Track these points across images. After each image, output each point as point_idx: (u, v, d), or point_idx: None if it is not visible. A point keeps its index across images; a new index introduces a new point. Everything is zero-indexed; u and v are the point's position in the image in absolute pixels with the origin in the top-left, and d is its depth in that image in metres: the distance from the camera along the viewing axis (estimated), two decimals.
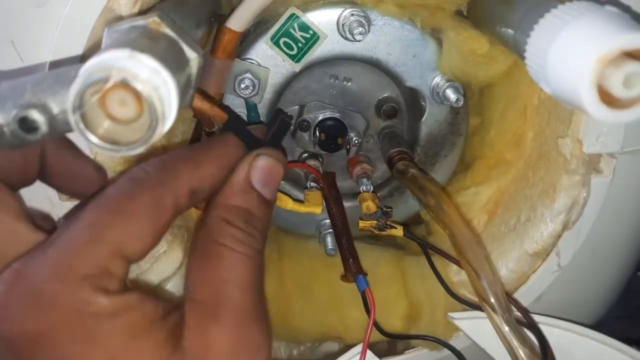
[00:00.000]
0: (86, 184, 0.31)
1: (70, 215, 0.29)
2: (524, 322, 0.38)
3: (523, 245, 0.41)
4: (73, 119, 0.21)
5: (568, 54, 0.25)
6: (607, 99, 0.25)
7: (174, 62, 0.25)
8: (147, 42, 0.24)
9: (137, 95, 0.22)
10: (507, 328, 0.35)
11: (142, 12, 0.31)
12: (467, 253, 0.36)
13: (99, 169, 0.33)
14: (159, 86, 0.22)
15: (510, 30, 0.32)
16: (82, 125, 0.21)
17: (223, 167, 0.30)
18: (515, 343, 0.36)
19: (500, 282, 0.38)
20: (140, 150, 0.22)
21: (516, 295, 0.42)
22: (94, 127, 0.22)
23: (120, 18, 0.31)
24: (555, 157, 0.39)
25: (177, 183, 0.27)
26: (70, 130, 0.23)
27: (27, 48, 0.32)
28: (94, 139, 0.21)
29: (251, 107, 0.41)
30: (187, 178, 0.28)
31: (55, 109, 0.23)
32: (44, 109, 0.23)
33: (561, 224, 0.39)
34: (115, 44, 0.23)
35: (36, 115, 0.23)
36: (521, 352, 0.36)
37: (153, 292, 0.39)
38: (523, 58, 0.30)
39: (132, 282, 0.38)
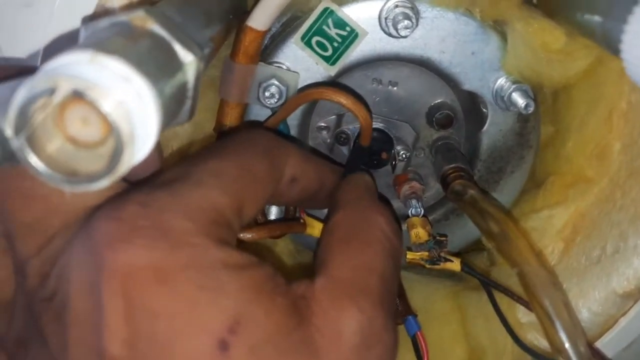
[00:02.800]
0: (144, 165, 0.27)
1: (187, 158, 0.26)
2: None
3: (610, 283, 0.33)
4: (16, 142, 0.16)
5: None
6: None
7: (158, 66, 0.19)
8: (122, 42, 0.19)
9: (99, 111, 0.16)
10: None
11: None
12: (540, 297, 0.29)
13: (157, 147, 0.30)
14: (127, 100, 0.16)
15: (597, 17, 0.25)
16: (26, 151, 0.16)
17: (324, 178, 0.30)
18: None
19: (582, 332, 0.30)
20: (103, 184, 0.17)
21: (600, 343, 0.35)
22: (42, 152, 0.16)
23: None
24: None
25: (288, 162, 0.27)
26: None
27: (16, 52, 0.28)
28: (38, 164, 0.16)
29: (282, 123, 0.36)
30: (295, 164, 0.28)
31: (8, 129, 0.18)
32: None
33: None
34: (81, 45, 0.18)
35: None
36: None
37: None
38: (617, 52, 0.23)
39: None
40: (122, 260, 0.19)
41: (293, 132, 0.37)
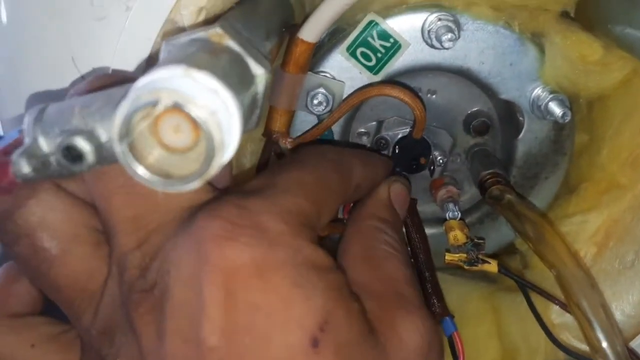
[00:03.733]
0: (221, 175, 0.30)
1: (268, 169, 0.30)
2: None
3: None
4: (119, 149, 0.18)
5: None
6: None
7: (237, 79, 0.21)
8: (207, 57, 0.21)
9: (193, 120, 0.18)
10: None
11: (207, 23, 0.28)
12: (578, 298, 0.30)
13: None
14: (217, 110, 0.18)
15: (636, 32, 0.27)
16: (129, 158, 0.18)
17: (377, 177, 0.32)
18: None
19: (618, 332, 0.31)
20: (195, 185, 0.19)
21: (633, 344, 0.36)
22: (143, 157, 0.18)
23: (182, 30, 0.28)
24: None
25: (353, 173, 0.29)
26: None
27: (88, 64, 0.30)
28: (142, 171, 0.18)
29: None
30: (359, 173, 0.30)
31: (103, 135, 0.20)
32: (91, 135, 0.20)
33: None
34: (171, 60, 0.20)
35: (82, 144, 0.20)
36: None
37: None
38: None
39: None
40: (226, 256, 0.21)
41: (336, 137, 0.39)
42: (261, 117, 0.24)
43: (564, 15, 0.35)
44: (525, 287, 0.36)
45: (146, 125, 0.18)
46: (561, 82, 0.35)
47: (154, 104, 0.18)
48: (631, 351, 0.33)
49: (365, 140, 0.40)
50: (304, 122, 0.38)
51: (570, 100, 0.36)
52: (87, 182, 0.24)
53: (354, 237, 0.29)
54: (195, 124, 0.18)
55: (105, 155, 0.21)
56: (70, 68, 0.30)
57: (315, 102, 0.35)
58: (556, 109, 0.35)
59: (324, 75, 0.36)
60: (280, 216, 0.23)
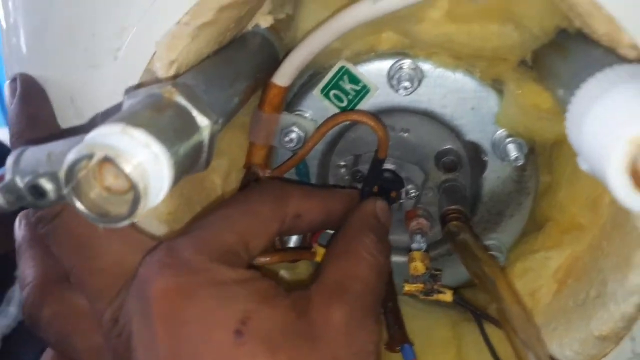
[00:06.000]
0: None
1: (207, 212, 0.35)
2: None
3: (589, 326, 0.36)
4: (65, 190, 0.22)
5: (600, 129, 0.22)
6: None
7: (177, 133, 0.25)
8: (149, 114, 0.25)
9: (123, 171, 0.22)
10: None
11: (178, 75, 0.32)
12: (513, 326, 0.32)
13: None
14: (146, 161, 0.22)
15: (561, 90, 0.29)
16: (72, 197, 0.22)
17: (331, 207, 0.36)
18: None
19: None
20: (126, 222, 0.23)
21: None
22: (85, 197, 0.22)
23: (158, 80, 0.32)
24: (631, 229, 0.34)
25: (290, 203, 0.34)
26: None
27: (85, 104, 0.35)
28: (80, 207, 0.22)
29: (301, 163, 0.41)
30: (296, 203, 0.34)
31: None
32: (54, 177, 0.25)
33: (634, 306, 0.34)
34: (117, 117, 0.24)
35: (45, 184, 0.24)
36: None
37: None
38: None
39: None
40: (159, 288, 0.27)
41: (313, 169, 0.42)
42: (210, 160, 0.28)
43: (523, 64, 0.37)
44: (479, 317, 0.38)
45: (89, 173, 0.23)
46: (516, 127, 0.37)
47: (90, 157, 0.22)
48: None
49: (343, 172, 0.44)
50: (285, 156, 0.41)
51: (530, 143, 0.38)
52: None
53: (338, 239, 0.34)
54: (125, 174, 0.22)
55: (63, 194, 0.25)
56: (70, 108, 0.36)
57: (287, 139, 0.39)
58: (512, 152, 0.37)
59: (301, 114, 0.40)
60: (199, 249, 0.29)
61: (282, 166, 0.40)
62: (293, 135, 0.39)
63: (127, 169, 0.22)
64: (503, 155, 0.38)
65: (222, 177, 0.43)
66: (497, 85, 0.38)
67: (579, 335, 0.36)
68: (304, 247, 0.40)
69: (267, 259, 0.37)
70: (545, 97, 0.35)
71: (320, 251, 0.39)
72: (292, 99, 0.41)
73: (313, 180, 0.43)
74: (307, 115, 0.40)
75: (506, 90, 0.37)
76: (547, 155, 0.40)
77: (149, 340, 0.27)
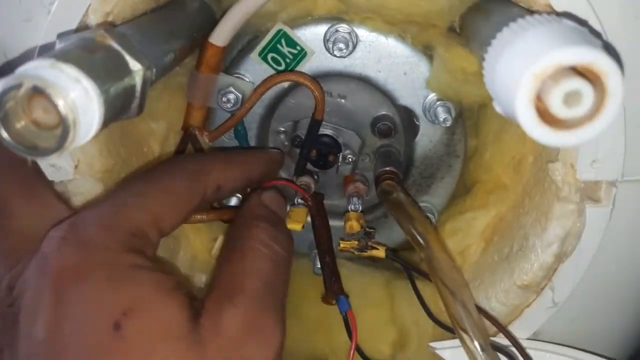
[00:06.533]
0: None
1: (120, 185, 0.34)
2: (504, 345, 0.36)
3: (513, 277, 0.38)
4: None
5: (509, 69, 0.24)
6: (550, 119, 0.23)
7: (107, 72, 0.25)
8: (80, 53, 0.25)
9: (53, 103, 0.22)
10: (479, 351, 0.33)
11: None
12: (440, 274, 0.34)
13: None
14: (75, 95, 0.22)
15: (482, 46, 0.31)
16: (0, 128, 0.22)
17: (253, 172, 0.36)
18: None
19: (473, 302, 0.35)
20: (54, 155, 0.23)
21: (511, 330, 0.39)
22: (12, 129, 0.22)
23: None
24: (549, 183, 0.36)
25: (210, 176, 0.33)
26: None
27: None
28: (6, 136, 0.22)
29: (239, 124, 0.42)
30: (216, 176, 0.33)
31: None
32: None
33: (553, 255, 0.36)
34: (50, 54, 0.24)
35: None
36: None
37: None
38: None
39: None
40: (54, 264, 0.26)
41: (252, 134, 0.43)
42: (143, 107, 0.29)
43: (452, 30, 0.39)
44: (410, 271, 0.39)
45: (17, 104, 0.23)
46: (445, 90, 0.39)
47: (19, 87, 0.22)
48: (490, 316, 0.37)
49: (282, 138, 0.45)
50: (223, 118, 0.42)
51: (460, 107, 0.40)
52: None
53: (229, 235, 0.34)
54: (55, 106, 0.22)
55: None
56: (1, 62, 0.35)
57: (225, 99, 0.39)
58: (441, 114, 0.39)
59: (240, 77, 0.41)
60: (104, 225, 0.28)
61: (220, 128, 0.40)
62: (231, 96, 0.39)
63: (57, 100, 0.22)
64: (433, 119, 0.40)
65: (159, 140, 0.43)
66: (428, 51, 0.40)
67: (503, 285, 0.38)
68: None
69: (204, 216, 0.37)
70: (471, 61, 0.37)
71: None
72: (230, 63, 0.41)
73: (253, 144, 0.43)
74: (246, 78, 0.41)
75: (436, 55, 0.38)
76: (474, 120, 0.42)
77: (34, 318, 0.26)
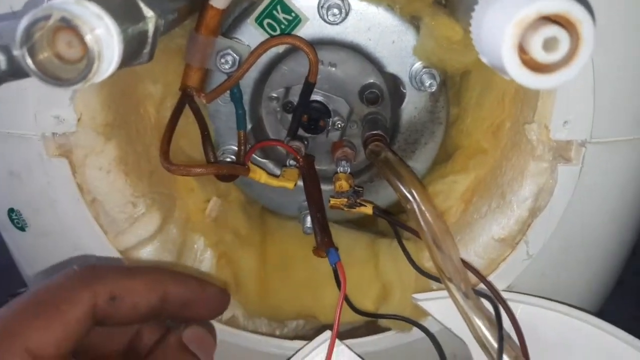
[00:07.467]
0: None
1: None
2: (483, 293, 0.38)
3: (491, 231, 0.41)
4: (20, 52, 0.24)
5: (494, 22, 0.26)
6: (531, 64, 0.26)
7: (125, 15, 0.27)
8: None
9: (79, 36, 0.24)
10: (462, 298, 0.36)
11: None
12: (427, 225, 0.37)
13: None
14: (99, 29, 0.24)
15: (467, 10, 0.33)
16: (26, 56, 0.24)
17: (158, 293, 0.32)
18: (471, 314, 0.36)
19: (457, 252, 0.38)
20: (78, 86, 0.25)
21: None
22: (37, 59, 0.24)
23: None
24: (525, 143, 0.39)
25: (97, 287, 0.30)
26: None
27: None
28: (31, 65, 0.24)
29: (235, 87, 0.43)
30: (110, 283, 0.30)
31: (15, 50, 0.26)
32: (5, 49, 0.26)
33: (527, 210, 0.39)
34: None
35: None
36: (477, 321, 0.36)
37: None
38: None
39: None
40: None
41: (246, 98, 0.45)
42: (153, 54, 0.30)
43: (437, 1, 0.41)
44: (396, 227, 0.42)
45: (43, 36, 0.24)
46: (431, 57, 0.41)
47: (47, 18, 0.24)
48: (471, 267, 0.39)
49: (275, 104, 0.47)
50: (219, 80, 0.43)
51: (443, 75, 0.43)
52: None
53: None
54: (81, 39, 0.24)
55: (16, 66, 0.26)
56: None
57: (223, 61, 0.41)
58: (426, 81, 0.42)
59: (236, 41, 0.43)
60: None
61: (217, 88, 0.42)
62: (229, 58, 0.41)
63: (84, 32, 0.24)
64: (419, 85, 0.43)
65: (156, 102, 0.45)
66: (415, 21, 0.42)
67: (482, 239, 0.41)
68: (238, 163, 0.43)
69: (202, 169, 0.39)
70: (456, 30, 0.39)
71: (255, 169, 0.41)
72: (227, 27, 0.43)
73: (246, 109, 0.45)
74: (243, 42, 0.43)
75: (422, 25, 0.41)
76: (456, 89, 0.45)
77: None
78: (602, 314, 0.43)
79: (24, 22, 0.24)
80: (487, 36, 0.27)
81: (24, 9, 0.35)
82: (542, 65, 0.25)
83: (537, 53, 0.25)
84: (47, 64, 0.24)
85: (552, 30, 0.24)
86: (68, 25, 0.24)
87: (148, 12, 0.29)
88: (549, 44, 0.25)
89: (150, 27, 0.29)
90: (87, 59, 0.24)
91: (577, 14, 0.24)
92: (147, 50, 0.30)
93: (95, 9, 0.25)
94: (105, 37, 0.25)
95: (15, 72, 0.27)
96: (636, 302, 0.48)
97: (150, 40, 0.29)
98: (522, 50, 0.26)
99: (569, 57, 0.25)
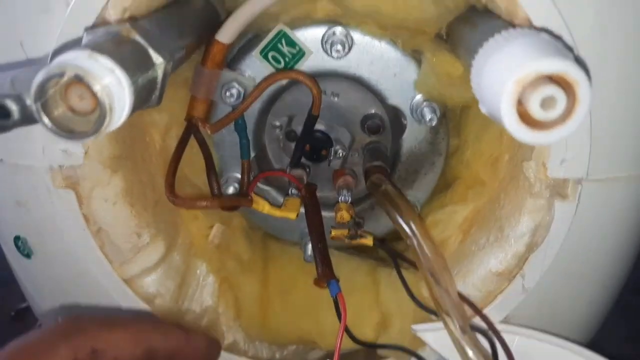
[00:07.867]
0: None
1: None
2: (480, 328, 0.39)
3: (489, 265, 0.42)
4: (34, 107, 0.25)
5: (495, 76, 0.27)
6: (529, 120, 0.26)
7: (135, 64, 0.28)
8: (111, 46, 0.27)
9: (91, 90, 0.25)
10: (459, 333, 0.37)
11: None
12: (425, 260, 0.37)
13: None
14: (110, 83, 0.25)
15: (468, 54, 0.34)
16: (40, 112, 0.25)
17: (144, 345, 0.32)
18: (467, 348, 0.37)
19: (454, 287, 0.39)
20: (91, 138, 0.25)
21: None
22: (51, 114, 0.25)
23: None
24: (523, 180, 0.40)
25: (78, 341, 0.30)
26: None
27: (33, 48, 0.36)
28: (47, 122, 0.25)
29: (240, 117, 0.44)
30: (91, 336, 0.30)
31: (27, 100, 0.27)
32: (18, 99, 0.27)
33: (524, 245, 0.40)
34: (84, 46, 0.26)
35: (10, 104, 0.26)
36: (473, 356, 0.37)
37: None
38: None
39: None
40: None
41: (250, 128, 0.46)
42: (162, 97, 0.31)
43: (439, 37, 0.42)
44: (396, 259, 0.43)
45: (56, 92, 0.25)
46: (432, 92, 0.42)
47: (61, 75, 0.24)
48: (467, 301, 0.40)
49: (278, 132, 0.47)
50: (224, 111, 0.44)
51: (443, 108, 0.44)
52: None
53: None
54: (93, 93, 0.25)
55: (28, 114, 0.27)
56: (18, 51, 0.37)
57: (228, 94, 0.42)
58: (427, 114, 0.43)
59: (241, 73, 0.43)
60: None
61: (222, 119, 0.43)
62: (233, 91, 0.42)
63: (96, 88, 0.24)
64: (420, 118, 0.44)
65: (161, 131, 0.45)
66: (416, 55, 0.43)
67: (480, 272, 0.42)
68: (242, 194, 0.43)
69: (207, 203, 0.40)
70: (457, 66, 0.40)
71: (258, 200, 0.42)
72: (232, 58, 0.44)
73: (250, 138, 0.46)
74: (247, 74, 0.44)
75: (424, 59, 0.42)
76: (456, 121, 0.46)
77: None
78: (593, 337, 0.44)
79: (38, 78, 0.24)
80: (487, 87, 0.28)
81: (38, 60, 0.35)
82: (539, 122, 0.26)
83: (535, 111, 0.26)
84: (61, 119, 0.25)
85: (550, 89, 0.25)
86: (80, 81, 0.25)
87: (157, 59, 0.30)
88: (547, 102, 0.26)
89: (160, 73, 0.30)
90: (100, 111, 0.25)
91: (575, 74, 0.25)
92: (156, 95, 0.30)
93: (107, 62, 0.25)
94: (116, 90, 0.25)
95: (27, 119, 0.27)
96: (627, 323, 0.49)
97: (159, 85, 0.30)
98: (520, 105, 0.26)
99: (565, 115, 0.26)
